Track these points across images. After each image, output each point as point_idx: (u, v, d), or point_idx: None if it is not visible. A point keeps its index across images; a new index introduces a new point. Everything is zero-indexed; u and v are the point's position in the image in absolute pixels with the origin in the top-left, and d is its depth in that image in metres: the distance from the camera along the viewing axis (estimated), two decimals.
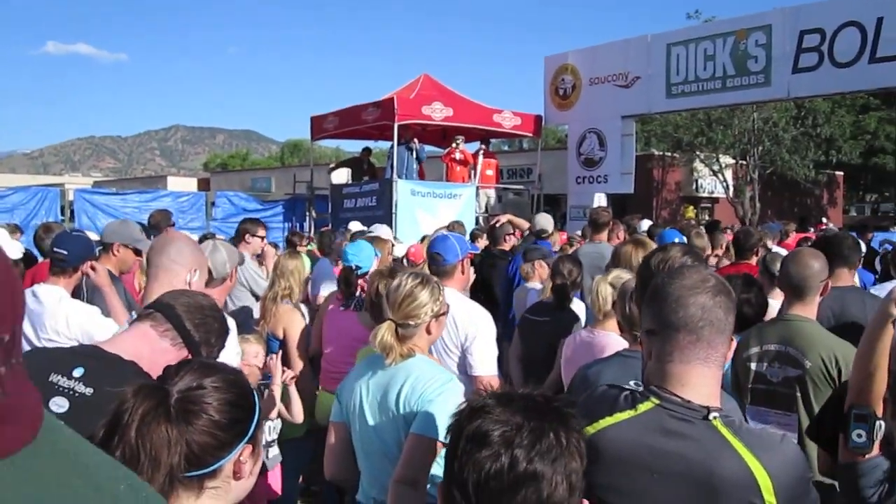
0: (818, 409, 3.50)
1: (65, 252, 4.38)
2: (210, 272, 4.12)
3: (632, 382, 2.22)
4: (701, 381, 2.03)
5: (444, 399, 2.85)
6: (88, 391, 2.14)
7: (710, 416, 1.97)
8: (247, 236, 7.28)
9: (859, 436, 2.85)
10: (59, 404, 2.12)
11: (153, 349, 2.34)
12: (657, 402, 2.04)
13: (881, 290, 5.50)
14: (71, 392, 2.14)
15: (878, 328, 2.73)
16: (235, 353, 3.89)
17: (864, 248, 8.67)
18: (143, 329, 2.40)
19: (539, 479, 1.51)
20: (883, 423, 2.72)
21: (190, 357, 2.36)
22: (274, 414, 4.45)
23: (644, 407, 2.05)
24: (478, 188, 15.57)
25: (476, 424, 1.58)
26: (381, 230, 8.22)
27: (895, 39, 11.87)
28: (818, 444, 3.11)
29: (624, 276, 3.98)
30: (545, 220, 8.90)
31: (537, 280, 6.74)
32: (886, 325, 2.73)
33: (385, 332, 3.05)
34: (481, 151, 16.19)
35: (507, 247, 8.36)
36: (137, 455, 1.56)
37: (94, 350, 2.32)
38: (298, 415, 4.69)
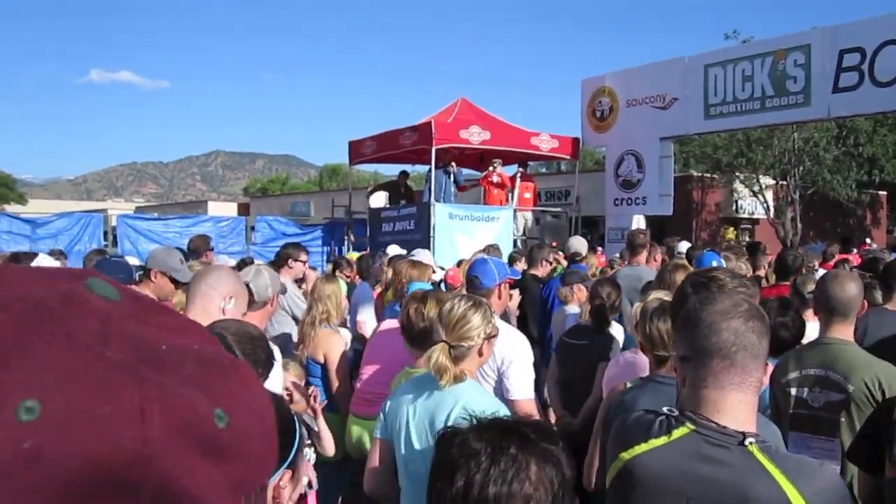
0: None
1: None
2: (252, 294, 4.17)
3: (665, 408, 2.21)
4: (736, 406, 2.02)
5: None
6: None
7: (747, 442, 1.96)
8: (289, 261, 7.33)
9: None
10: None
11: None
12: (692, 427, 2.03)
13: None
14: None
15: None
16: (279, 379, 3.92)
17: None
18: None
19: (496, 502, 1.52)
20: None
21: None
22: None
23: (679, 433, 2.05)
24: (515, 211, 15.56)
25: (441, 452, 1.62)
26: (422, 255, 8.24)
27: None
28: (859, 466, 3.06)
29: (664, 297, 3.97)
30: (578, 243, 8.86)
31: (576, 303, 6.73)
32: None
33: (439, 353, 3.07)
34: (519, 174, 16.18)
35: (540, 272, 8.34)
36: None
37: None
38: (329, 448, 4.62)
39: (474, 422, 1.67)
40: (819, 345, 3.83)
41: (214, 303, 3.09)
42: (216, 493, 0.54)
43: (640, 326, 3.52)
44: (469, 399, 3.01)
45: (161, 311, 0.59)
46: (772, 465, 1.92)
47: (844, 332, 3.75)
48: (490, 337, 3.24)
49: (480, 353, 3.23)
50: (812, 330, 4.43)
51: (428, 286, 5.52)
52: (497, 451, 1.55)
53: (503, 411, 3.00)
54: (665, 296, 3.97)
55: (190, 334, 0.59)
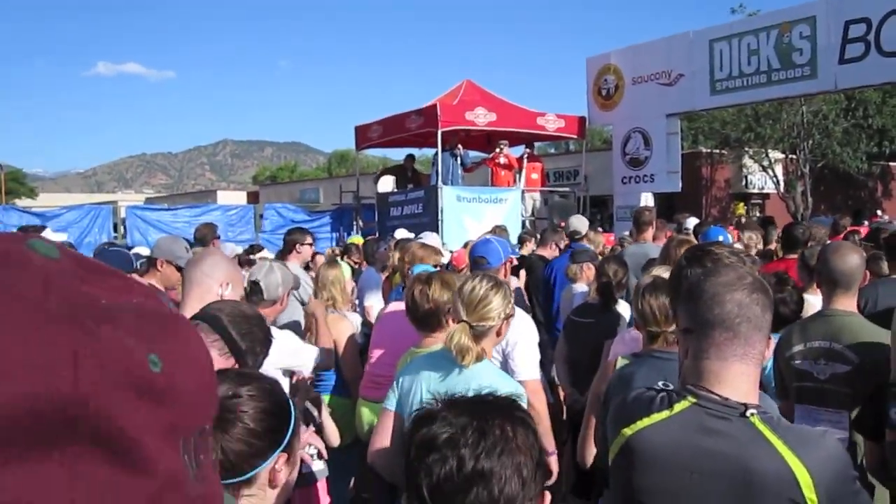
0: None
1: None
2: (262, 292, 4.18)
3: (660, 383, 2.22)
4: (739, 378, 2.02)
5: None
6: None
7: (748, 413, 1.96)
8: (297, 246, 7.34)
9: (895, 413, 2.92)
10: None
11: None
12: (694, 400, 2.04)
13: None
14: None
15: None
16: (278, 359, 3.94)
17: None
18: None
19: (488, 476, 1.52)
20: None
21: (237, 366, 2.40)
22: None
23: (681, 406, 2.05)
24: (523, 192, 15.55)
25: (423, 431, 1.60)
26: (429, 237, 8.23)
27: None
28: (863, 435, 3.07)
29: (664, 273, 3.97)
30: (579, 222, 8.81)
31: (584, 281, 6.72)
32: None
33: (461, 334, 3.10)
34: (525, 155, 16.16)
35: (548, 253, 8.33)
36: None
37: None
38: (335, 438, 4.59)
39: (439, 403, 1.67)
40: (822, 317, 3.81)
41: (212, 291, 3.06)
42: (152, 434, 0.56)
43: (634, 302, 3.53)
44: (485, 379, 3.01)
45: (105, 272, 0.61)
46: (774, 436, 1.92)
47: (847, 303, 3.74)
48: (508, 317, 3.29)
49: (498, 333, 3.28)
50: (817, 303, 4.43)
51: (431, 268, 5.52)
52: (483, 423, 1.56)
53: (520, 391, 3.03)
54: (664, 272, 3.97)
55: (132, 292, 0.61)
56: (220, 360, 2.40)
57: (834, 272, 3.74)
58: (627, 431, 2.13)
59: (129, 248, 5.12)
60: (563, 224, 10.38)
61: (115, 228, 17.08)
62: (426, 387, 3.18)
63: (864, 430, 3.04)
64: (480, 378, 3.03)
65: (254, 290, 4.18)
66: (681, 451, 2.01)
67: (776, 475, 1.89)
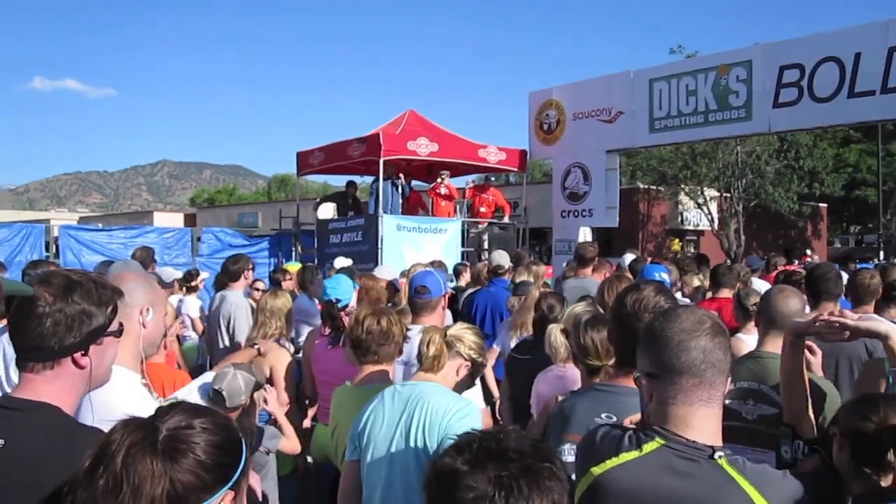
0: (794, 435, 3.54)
1: None
2: (224, 400, 4.10)
3: (603, 415, 2.25)
4: (704, 421, 2.07)
5: (467, 425, 2.87)
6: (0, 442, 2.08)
7: (716, 456, 2.01)
8: (245, 273, 7.37)
9: (786, 452, 3.21)
10: None
11: (52, 385, 2.20)
12: (663, 442, 2.07)
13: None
14: None
15: (785, 353, 3.08)
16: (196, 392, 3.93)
17: (845, 279, 8.79)
18: (29, 379, 2.22)
19: None
20: (801, 442, 2.88)
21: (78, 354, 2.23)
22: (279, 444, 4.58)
23: (649, 447, 2.08)
24: (464, 223, 15.62)
25: (441, 495, 1.58)
26: (383, 271, 8.23)
27: (873, 74, 12.01)
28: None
29: (582, 309, 4.03)
30: (501, 257, 8.80)
31: None
32: (793, 349, 3.06)
33: (437, 333, 3.33)
34: (472, 186, 16.32)
35: (462, 282, 8.42)
36: (120, 485, 1.56)
37: (5, 399, 2.23)
38: (296, 446, 4.80)
39: (463, 449, 1.62)
40: (753, 358, 3.89)
41: (132, 318, 2.83)
42: None
43: (574, 336, 3.57)
44: (434, 396, 3.10)
45: None
46: (741, 477, 1.98)
47: (779, 346, 3.80)
48: (473, 363, 3.43)
49: (458, 372, 3.36)
50: (751, 343, 4.51)
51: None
52: (510, 493, 1.52)
53: (472, 408, 3.10)
54: (584, 307, 4.04)
55: None
56: (60, 370, 2.21)
57: (774, 312, 3.81)
58: (596, 470, 2.14)
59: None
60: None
61: (48, 248, 16.68)
62: (378, 420, 3.20)
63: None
64: (430, 398, 3.08)
65: (216, 399, 4.12)
66: (650, 492, 2.04)
67: None
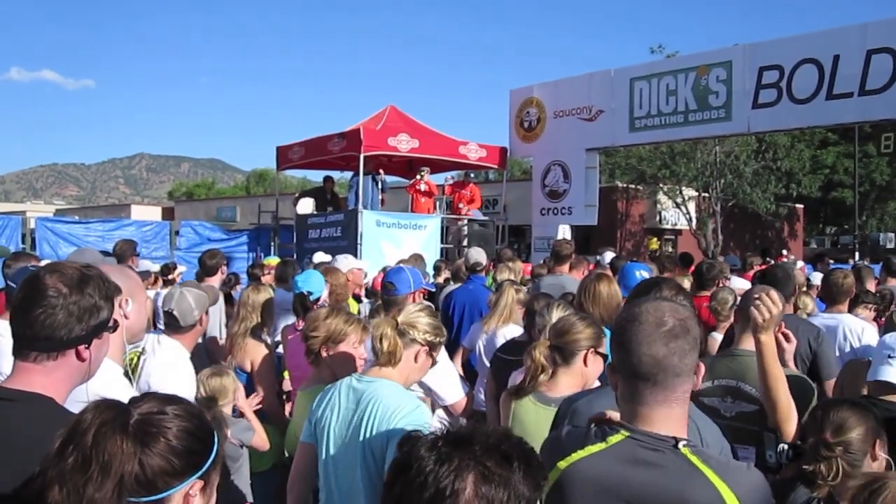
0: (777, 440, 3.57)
1: (15, 285, 4.30)
2: (177, 320, 4.10)
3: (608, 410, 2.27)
4: (663, 419, 2.10)
5: (414, 425, 2.86)
6: None
7: (680, 445, 2.04)
8: (222, 268, 7.35)
9: (770, 456, 3.31)
10: None
11: (47, 376, 2.19)
12: (627, 434, 2.10)
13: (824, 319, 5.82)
14: None
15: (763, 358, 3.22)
16: (187, 382, 3.90)
17: (819, 278, 8.92)
18: (25, 368, 2.21)
19: None
20: (785, 446, 2.92)
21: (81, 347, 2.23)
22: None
23: (615, 439, 2.11)
24: (443, 219, 15.62)
25: (406, 477, 1.54)
26: (343, 261, 8.12)
27: (851, 76, 12.14)
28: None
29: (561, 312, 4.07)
30: (477, 254, 8.75)
31: None
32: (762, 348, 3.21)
33: (387, 325, 3.26)
34: (452, 182, 16.35)
35: (441, 279, 8.40)
36: (89, 461, 1.55)
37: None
38: (264, 442, 4.74)
39: (426, 440, 1.59)
40: (730, 356, 3.91)
41: (114, 312, 2.87)
42: None
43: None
44: (386, 396, 3.07)
45: None
46: (705, 467, 2.01)
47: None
48: (429, 345, 3.35)
49: (416, 359, 3.31)
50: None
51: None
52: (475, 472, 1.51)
53: (422, 407, 3.11)
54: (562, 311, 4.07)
55: None
56: (60, 361, 2.20)
57: None
58: (562, 464, 2.16)
59: (34, 266, 4.89)
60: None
61: (24, 240, 16.53)
62: (334, 412, 3.19)
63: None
64: (381, 397, 3.06)
65: (169, 319, 4.12)
66: (616, 482, 2.07)
67: (708, 502, 1.97)
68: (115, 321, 2.35)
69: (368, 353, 4.02)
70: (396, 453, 1.64)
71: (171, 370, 3.92)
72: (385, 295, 5.07)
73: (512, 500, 1.51)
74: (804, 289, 7.70)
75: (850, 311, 6.18)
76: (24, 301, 2.18)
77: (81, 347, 2.21)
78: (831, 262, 15.24)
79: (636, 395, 2.10)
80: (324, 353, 3.85)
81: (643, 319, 2.13)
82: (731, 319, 5.59)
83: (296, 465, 3.44)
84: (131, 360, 3.85)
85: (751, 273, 10.89)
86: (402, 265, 5.98)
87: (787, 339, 3.97)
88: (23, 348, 2.19)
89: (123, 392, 2.53)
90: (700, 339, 2.19)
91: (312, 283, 5.61)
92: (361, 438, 3.01)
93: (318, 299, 5.52)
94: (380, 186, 15.48)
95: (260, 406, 4.98)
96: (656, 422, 2.08)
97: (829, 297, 6.14)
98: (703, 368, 2.19)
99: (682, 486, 1.98)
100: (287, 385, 5.75)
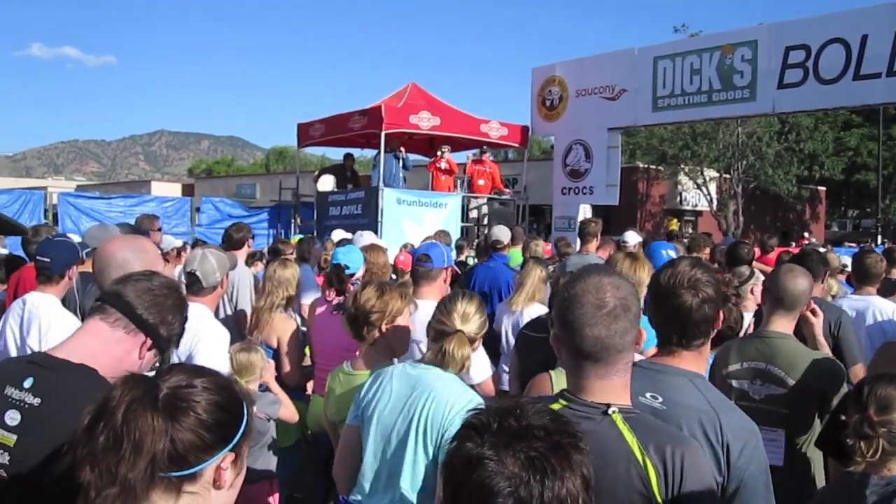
0: (807, 422, 3.54)
1: (48, 259, 4.32)
2: (200, 281, 4.13)
3: (648, 395, 2.27)
4: (602, 389, 2.13)
5: None
6: (37, 401, 2.11)
7: (610, 411, 2.07)
8: (248, 241, 7.37)
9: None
10: (13, 417, 2.10)
11: (106, 342, 2.30)
12: (565, 403, 2.14)
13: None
14: (22, 404, 2.12)
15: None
16: (222, 353, 3.89)
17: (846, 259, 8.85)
18: (94, 325, 2.34)
19: None
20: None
21: (148, 340, 2.36)
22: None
23: (554, 407, 2.12)
24: (464, 197, 15.59)
25: (477, 479, 1.47)
26: (361, 239, 8.06)
27: (879, 57, 11.96)
28: (828, 454, 3.07)
29: None
30: (501, 232, 8.67)
31: None
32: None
33: (460, 343, 3.22)
34: (470, 159, 16.23)
35: (462, 257, 8.37)
36: (121, 440, 1.55)
37: (43, 358, 2.24)
38: (293, 413, 4.83)
39: (483, 431, 1.53)
40: (759, 338, 3.87)
41: None
42: None
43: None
44: (441, 389, 3.05)
45: None
46: (630, 435, 2.04)
47: (785, 325, 3.81)
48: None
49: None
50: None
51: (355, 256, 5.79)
52: (543, 474, 1.46)
53: (476, 400, 3.03)
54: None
55: None
56: (128, 338, 2.33)
57: (782, 291, 3.80)
58: None
59: (63, 237, 4.92)
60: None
61: (46, 215, 16.65)
62: (384, 399, 3.15)
63: (826, 447, 3.01)
64: (437, 389, 3.04)
65: (191, 280, 4.13)
66: None
67: (627, 472, 2.00)
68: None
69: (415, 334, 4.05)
70: (454, 444, 1.58)
71: (203, 337, 3.85)
72: (420, 266, 5.07)
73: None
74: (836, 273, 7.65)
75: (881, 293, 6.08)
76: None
77: (143, 333, 2.39)
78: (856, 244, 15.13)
79: (577, 370, 2.14)
80: (384, 328, 3.81)
81: (584, 301, 2.12)
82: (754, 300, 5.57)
83: (342, 448, 3.39)
84: None
85: (772, 255, 10.81)
86: (435, 241, 5.98)
87: (814, 314, 3.96)
88: (114, 308, 2.38)
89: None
90: (639, 314, 2.18)
91: (352, 258, 5.60)
92: (413, 427, 2.99)
93: (352, 275, 5.51)
94: (402, 164, 15.46)
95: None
96: (596, 391, 2.12)
97: (860, 278, 6.06)
98: (644, 335, 2.20)
99: (603, 454, 1.96)
100: (306, 360, 5.76)
